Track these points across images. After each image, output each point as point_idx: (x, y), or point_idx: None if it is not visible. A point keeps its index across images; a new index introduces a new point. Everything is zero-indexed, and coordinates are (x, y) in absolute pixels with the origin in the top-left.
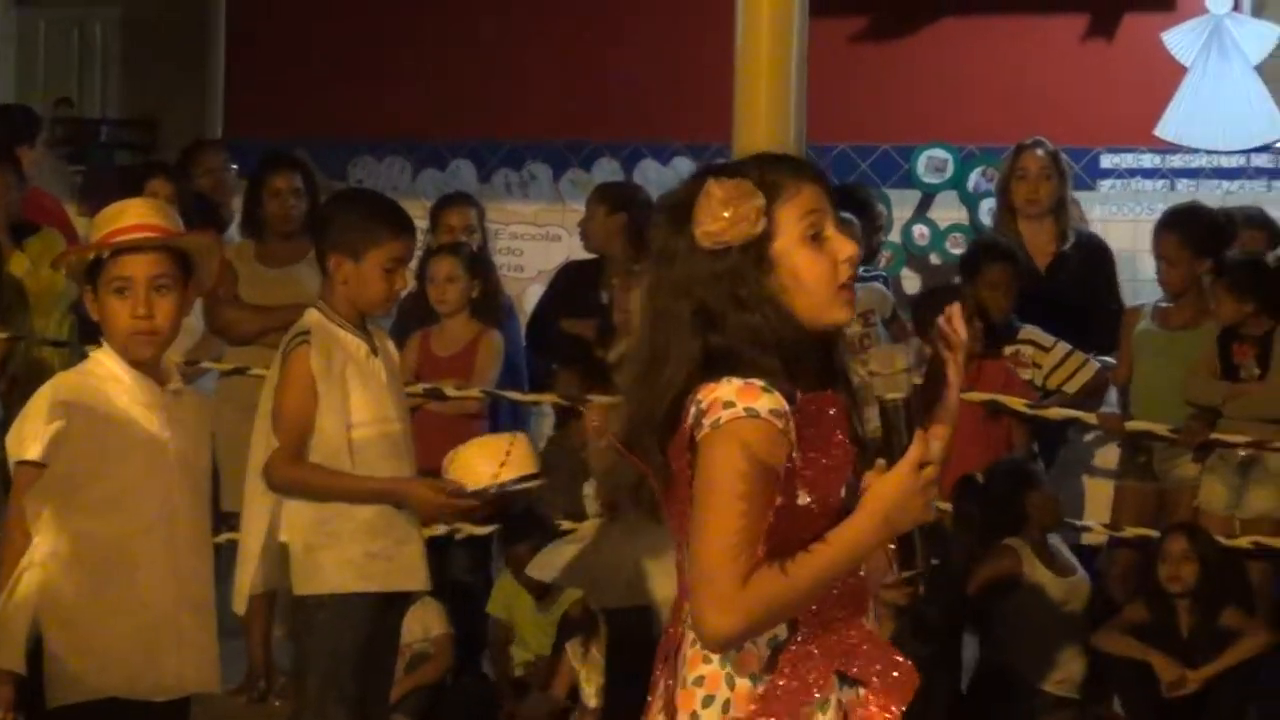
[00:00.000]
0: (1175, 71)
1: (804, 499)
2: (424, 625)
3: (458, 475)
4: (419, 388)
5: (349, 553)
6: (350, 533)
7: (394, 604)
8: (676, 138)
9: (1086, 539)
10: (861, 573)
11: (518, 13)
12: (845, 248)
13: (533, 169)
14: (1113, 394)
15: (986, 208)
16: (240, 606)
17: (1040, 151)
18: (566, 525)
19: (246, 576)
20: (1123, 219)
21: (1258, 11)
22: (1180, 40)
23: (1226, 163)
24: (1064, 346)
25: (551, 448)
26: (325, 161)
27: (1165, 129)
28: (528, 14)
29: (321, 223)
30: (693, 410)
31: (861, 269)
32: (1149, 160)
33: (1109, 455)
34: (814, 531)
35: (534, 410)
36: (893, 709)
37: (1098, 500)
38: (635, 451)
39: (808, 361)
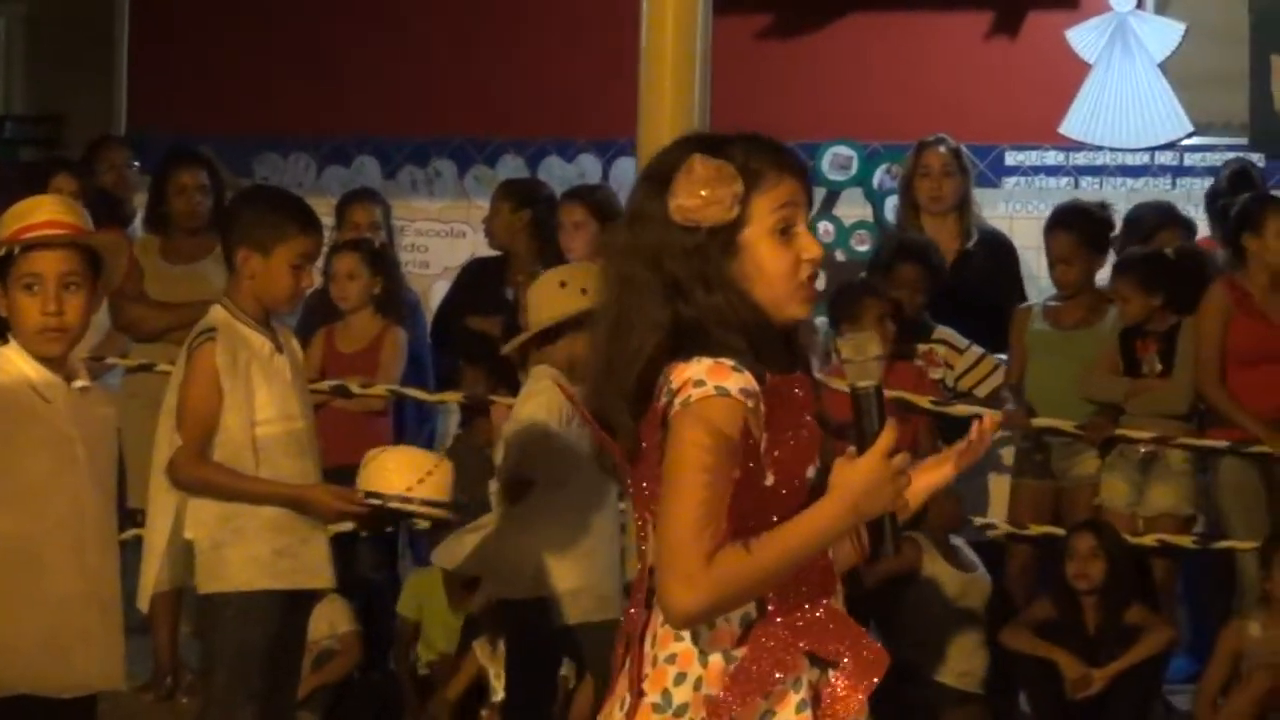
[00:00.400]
0: (1079, 69)
1: (770, 479)
2: (331, 622)
3: (371, 475)
4: (325, 385)
5: (255, 550)
6: (255, 530)
7: (299, 602)
8: (581, 134)
9: (990, 535)
10: (830, 555)
11: (423, 9)
12: (811, 247)
13: (438, 165)
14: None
15: (891, 205)
16: (144, 604)
17: (943, 149)
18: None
19: (151, 573)
20: (1027, 216)
21: (1161, 9)
22: (1084, 38)
23: (1130, 160)
24: (977, 350)
25: (457, 445)
26: (230, 158)
27: (1069, 126)
28: (433, 11)
29: (229, 219)
30: (664, 389)
31: None
32: (1053, 158)
33: (1012, 454)
34: (780, 513)
35: (439, 408)
36: (861, 690)
37: (1001, 498)
38: (602, 417)
39: (771, 345)
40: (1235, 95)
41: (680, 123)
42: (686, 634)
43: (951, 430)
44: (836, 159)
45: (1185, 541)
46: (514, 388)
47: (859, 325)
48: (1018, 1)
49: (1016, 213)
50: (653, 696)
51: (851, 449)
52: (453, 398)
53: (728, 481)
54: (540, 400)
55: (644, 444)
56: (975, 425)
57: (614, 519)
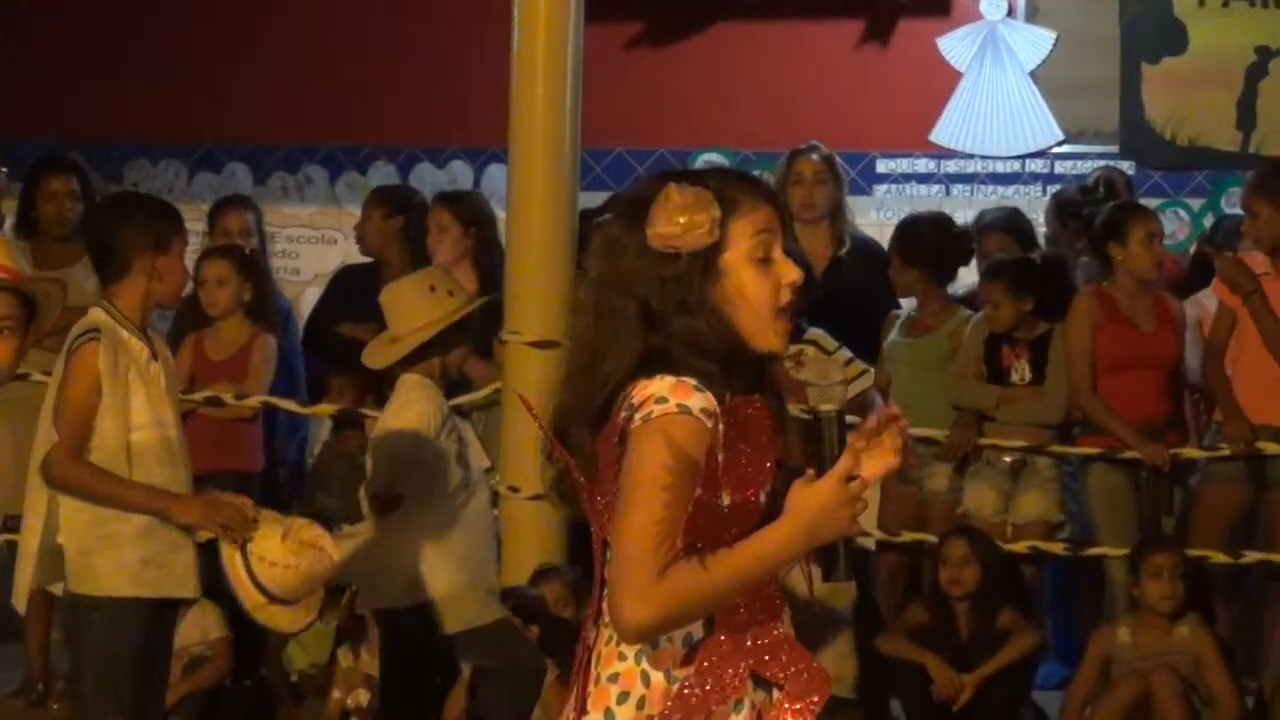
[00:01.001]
0: (950, 77)
1: (726, 499)
2: (202, 629)
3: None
4: (199, 395)
5: (124, 557)
6: (126, 537)
7: (165, 610)
8: (453, 141)
9: (860, 543)
10: (780, 578)
11: (293, 17)
12: (790, 272)
13: (309, 172)
14: None
15: None
16: (21, 604)
17: (815, 156)
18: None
19: (26, 574)
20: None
21: (1032, 18)
22: (955, 46)
23: (1001, 168)
24: (846, 353)
25: (325, 452)
26: (100, 164)
27: (940, 134)
28: (304, 18)
29: (112, 227)
30: (625, 404)
31: None
32: (924, 165)
33: None
34: (733, 532)
35: (310, 416)
36: (805, 711)
37: (871, 504)
38: (563, 441)
39: (743, 370)
40: (1106, 103)
41: (551, 129)
42: (630, 653)
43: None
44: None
45: (1057, 548)
46: (381, 397)
47: None
48: (889, 10)
49: (888, 220)
50: (595, 715)
51: (810, 472)
52: (326, 410)
53: (686, 500)
54: (408, 411)
55: (600, 460)
56: (881, 410)
57: (489, 525)
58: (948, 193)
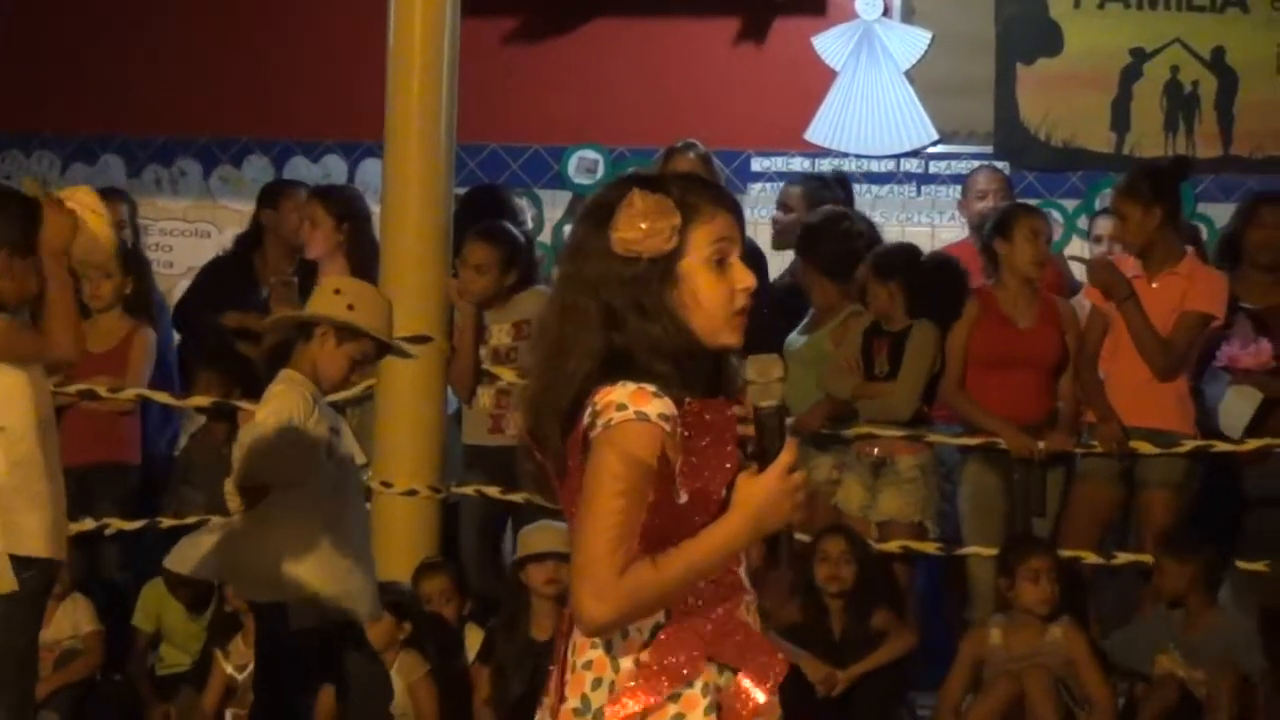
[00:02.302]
0: (825, 75)
1: (683, 498)
2: (74, 622)
3: None
4: (73, 389)
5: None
6: None
7: None
8: (328, 135)
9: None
10: (739, 568)
11: (170, 9)
12: (745, 277)
13: (183, 165)
14: None
15: None
16: None
17: (692, 154)
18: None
19: None
20: None
21: (907, 17)
22: (830, 44)
23: (876, 167)
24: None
25: (192, 444)
26: None
27: (815, 133)
28: (178, 9)
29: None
30: (588, 412)
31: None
32: (799, 164)
33: None
34: (692, 530)
35: (183, 410)
36: (763, 691)
37: None
38: (536, 437)
39: (700, 372)
40: (980, 104)
41: (427, 124)
42: (600, 642)
43: None
44: (583, 162)
45: (929, 548)
46: (251, 391)
47: None
48: (765, 8)
49: (763, 218)
50: (573, 702)
51: (753, 466)
52: (201, 401)
53: (641, 503)
54: (275, 403)
55: (569, 463)
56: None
57: (361, 519)
58: None
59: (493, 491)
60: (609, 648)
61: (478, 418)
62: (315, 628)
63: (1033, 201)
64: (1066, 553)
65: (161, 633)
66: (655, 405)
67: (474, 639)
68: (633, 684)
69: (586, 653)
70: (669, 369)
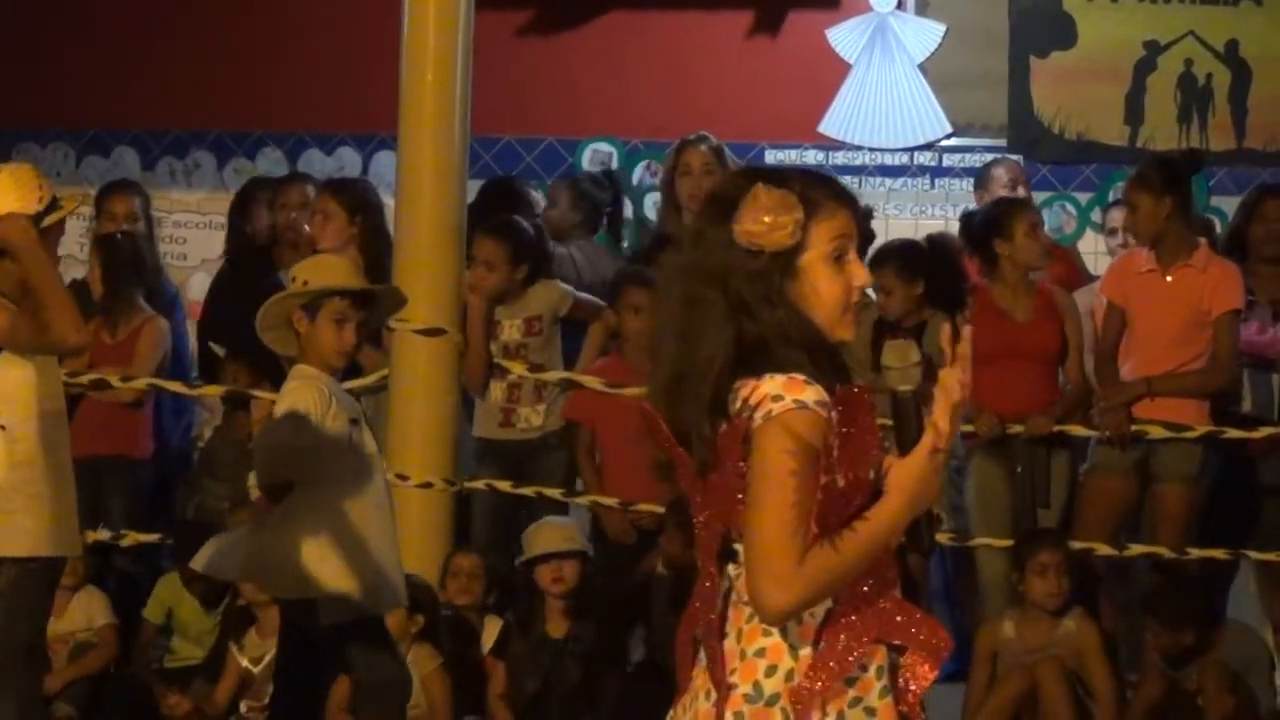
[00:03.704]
0: (839, 68)
1: (841, 482)
2: (88, 616)
3: None
4: (85, 378)
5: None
6: None
7: None
8: (342, 128)
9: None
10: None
11: (183, 1)
12: (861, 274)
13: (197, 157)
14: None
15: (651, 201)
16: None
17: (704, 147)
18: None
19: None
20: None
21: (921, 10)
22: (844, 37)
23: (890, 160)
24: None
25: (215, 438)
26: None
27: (829, 125)
28: (194, 3)
29: None
30: (739, 404)
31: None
32: (813, 156)
33: None
34: (851, 512)
35: (198, 401)
36: (930, 666)
37: None
38: (677, 428)
39: (828, 361)
40: (994, 96)
41: (441, 116)
42: (775, 630)
43: None
44: (597, 155)
45: (941, 539)
46: (277, 381)
47: (623, 311)
48: (778, 1)
49: None
50: (744, 688)
51: (894, 450)
52: (213, 391)
53: (812, 488)
54: (290, 399)
55: (723, 458)
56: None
57: (385, 512)
58: None
59: (504, 485)
60: (785, 633)
61: (489, 411)
62: (343, 622)
63: (1045, 195)
64: (1078, 545)
65: (172, 625)
66: (810, 393)
67: (491, 629)
68: (811, 670)
69: (759, 640)
70: (803, 358)
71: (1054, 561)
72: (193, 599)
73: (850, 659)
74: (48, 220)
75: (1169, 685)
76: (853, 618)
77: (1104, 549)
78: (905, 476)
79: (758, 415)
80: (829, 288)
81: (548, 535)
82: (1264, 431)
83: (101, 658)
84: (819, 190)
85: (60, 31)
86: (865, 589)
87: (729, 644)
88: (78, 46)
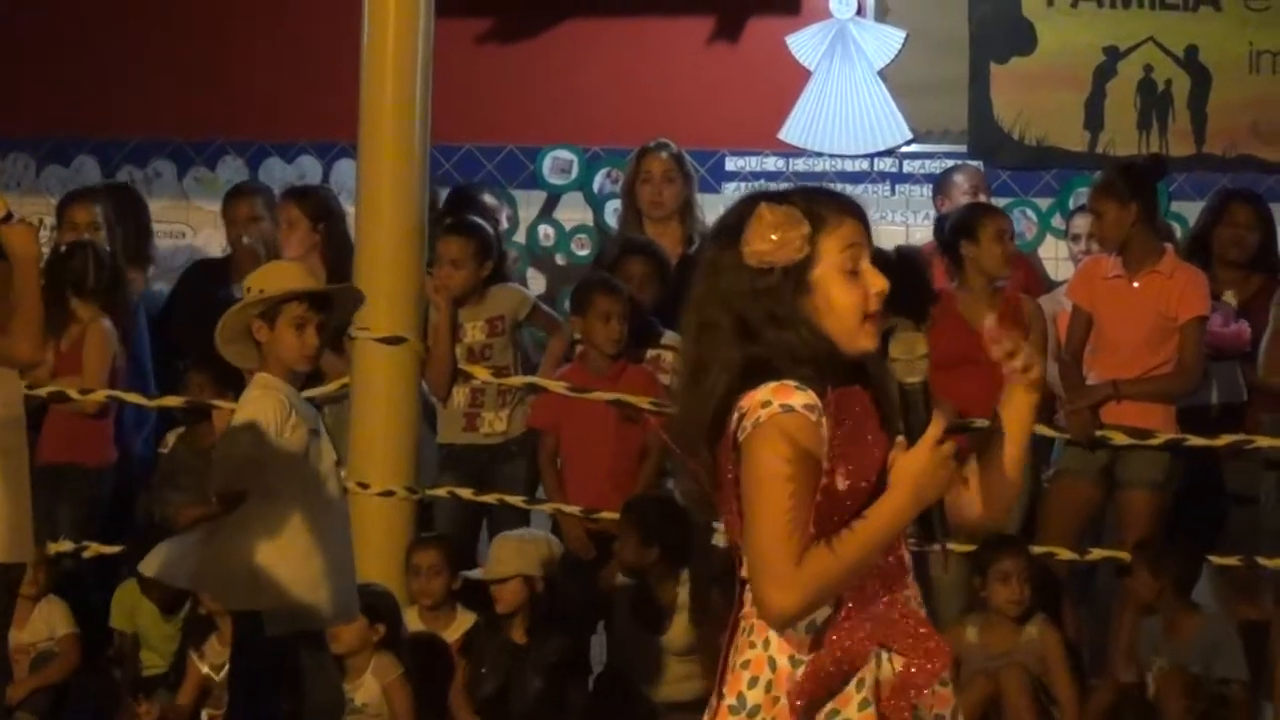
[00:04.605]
0: (799, 75)
1: (842, 484)
2: (49, 625)
3: None
4: (44, 390)
5: None
6: None
7: None
8: (302, 136)
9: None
10: (904, 553)
11: (142, 8)
12: (877, 281)
13: (157, 166)
14: None
15: (612, 209)
16: None
17: (665, 154)
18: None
19: None
20: None
21: (881, 16)
22: (804, 44)
23: (850, 167)
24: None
25: (178, 446)
26: None
27: (789, 132)
28: (154, 10)
29: None
30: (735, 417)
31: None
32: (773, 163)
33: None
34: (853, 513)
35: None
36: (924, 674)
37: None
38: (686, 453)
39: (838, 370)
40: (954, 102)
41: (401, 124)
42: (759, 641)
43: None
44: (557, 163)
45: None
46: (239, 391)
47: (591, 318)
48: (738, 7)
49: None
50: (729, 699)
51: (901, 440)
52: (173, 402)
53: (806, 489)
54: (249, 409)
55: (723, 473)
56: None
57: (341, 524)
58: None
59: (466, 493)
60: (765, 646)
61: (452, 417)
62: (289, 634)
63: (1006, 200)
64: (1039, 549)
65: (139, 636)
66: (799, 397)
67: (464, 622)
68: (803, 681)
69: (745, 652)
70: (810, 372)
71: (1017, 568)
72: (152, 607)
73: (848, 664)
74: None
75: (1120, 694)
76: (852, 622)
77: (1065, 554)
78: (909, 469)
79: (747, 423)
80: (844, 298)
81: (504, 553)
82: (1226, 439)
83: (64, 667)
84: (823, 203)
85: (19, 40)
86: (867, 590)
87: (731, 655)
88: (38, 55)
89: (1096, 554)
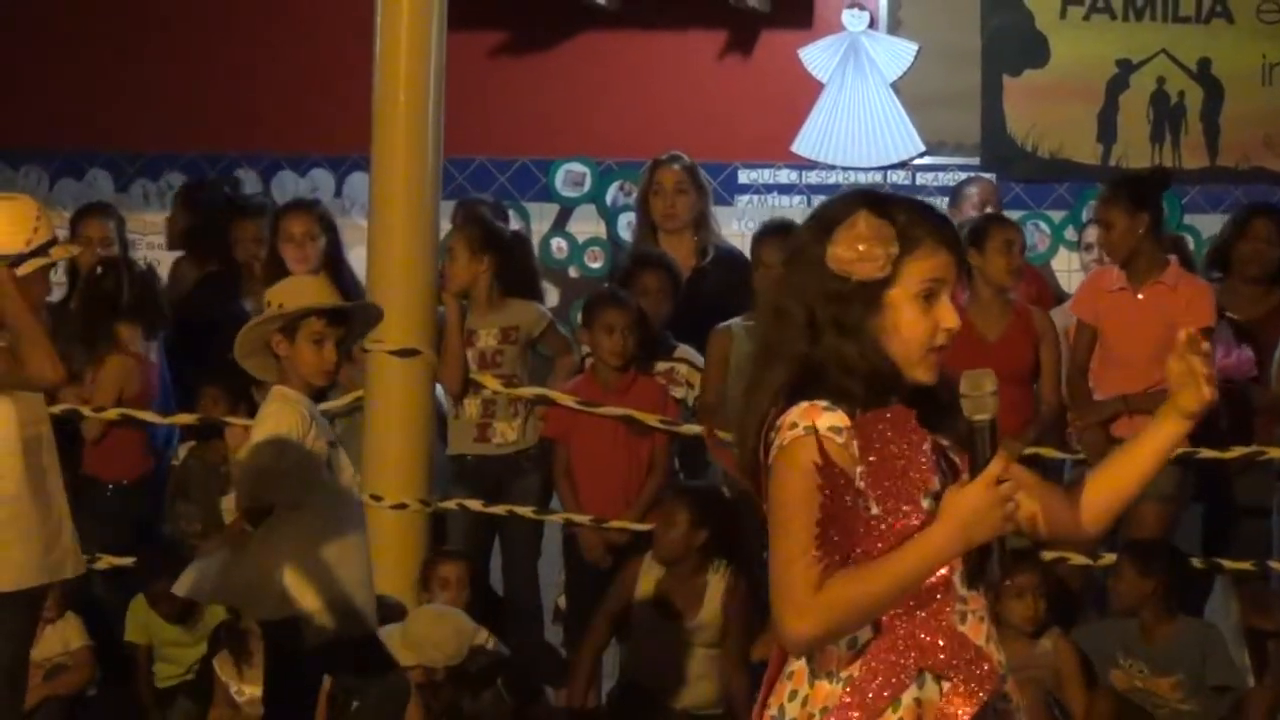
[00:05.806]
0: (813, 88)
1: (874, 510)
2: (64, 640)
3: None
4: (57, 409)
5: None
6: None
7: None
8: (315, 149)
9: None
10: (954, 574)
11: (154, 22)
12: (949, 318)
13: (170, 179)
14: None
15: (625, 221)
16: None
17: (677, 166)
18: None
19: None
20: None
21: (894, 29)
22: (817, 57)
23: (863, 180)
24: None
25: (189, 460)
26: None
27: (802, 145)
28: (164, 23)
29: None
30: (773, 434)
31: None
32: (786, 176)
33: None
34: (888, 541)
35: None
36: (969, 704)
37: None
38: (743, 477)
39: (894, 393)
40: (967, 115)
41: (414, 137)
42: (804, 655)
43: (687, 450)
44: (570, 175)
45: None
46: (253, 406)
47: (596, 331)
48: (751, 20)
49: (750, 231)
50: (771, 709)
51: (965, 477)
52: (186, 419)
53: (831, 512)
54: (271, 422)
55: (758, 483)
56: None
57: (361, 535)
58: (809, 204)
59: (476, 505)
60: (809, 659)
61: (464, 428)
62: (327, 642)
63: (1019, 213)
64: (1049, 555)
65: (154, 649)
66: (825, 419)
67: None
68: (845, 700)
69: (790, 664)
70: (859, 388)
71: (1031, 584)
72: (160, 619)
73: (885, 689)
74: (24, 269)
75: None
76: (893, 643)
77: (1077, 558)
78: (960, 505)
79: (775, 444)
80: (911, 328)
81: (403, 638)
82: (1237, 451)
83: (78, 679)
84: (924, 228)
85: (34, 55)
86: (900, 612)
87: (783, 665)
88: (51, 69)
89: (1108, 559)
